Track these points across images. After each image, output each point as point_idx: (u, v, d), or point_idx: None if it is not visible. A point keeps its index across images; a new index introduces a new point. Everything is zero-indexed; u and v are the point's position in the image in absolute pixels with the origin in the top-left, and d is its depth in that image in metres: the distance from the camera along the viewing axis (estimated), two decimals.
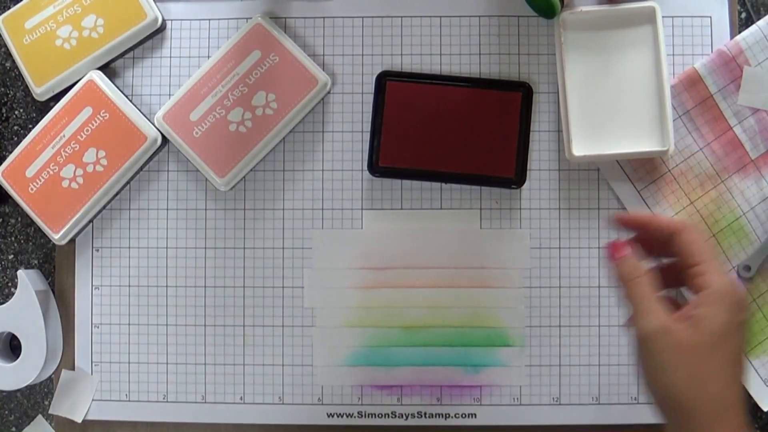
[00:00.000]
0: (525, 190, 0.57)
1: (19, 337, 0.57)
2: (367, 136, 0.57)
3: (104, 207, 0.58)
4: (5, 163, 0.57)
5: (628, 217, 0.47)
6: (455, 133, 0.56)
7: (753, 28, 0.56)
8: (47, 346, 0.57)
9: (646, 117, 0.55)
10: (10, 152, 0.57)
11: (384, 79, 0.57)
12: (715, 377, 0.40)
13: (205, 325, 0.58)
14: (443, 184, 0.58)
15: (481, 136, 0.56)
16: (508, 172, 0.56)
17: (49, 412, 0.59)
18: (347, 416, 0.57)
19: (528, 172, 0.57)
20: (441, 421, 0.57)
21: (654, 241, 0.45)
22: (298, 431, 0.58)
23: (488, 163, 0.56)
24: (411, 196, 0.58)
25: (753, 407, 0.57)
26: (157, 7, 0.58)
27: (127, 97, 0.58)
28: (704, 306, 0.41)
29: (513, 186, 0.56)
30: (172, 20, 0.59)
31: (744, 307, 0.42)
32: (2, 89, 0.61)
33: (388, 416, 0.57)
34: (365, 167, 0.57)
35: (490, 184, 0.57)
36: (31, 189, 0.56)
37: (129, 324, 0.58)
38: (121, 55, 0.58)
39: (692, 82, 0.56)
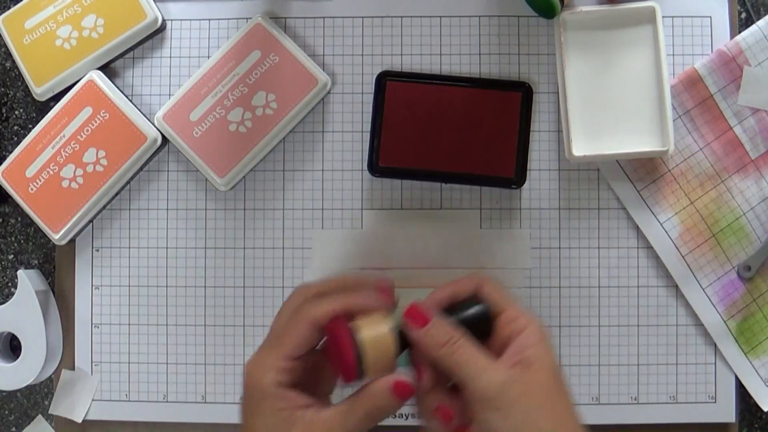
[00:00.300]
0: (525, 190, 0.57)
1: (19, 337, 0.57)
2: (367, 136, 0.57)
3: (104, 207, 0.58)
4: (5, 163, 0.57)
5: (430, 302, 0.44)
6: (455, 133, 0.56)
7: (753, 28, 0.56)
8: (47, 346, 0.57)
9: (646, 117, 0.55)
10: (10, 152, 0.57)
11: (384, 79, 0.57)
12: (567, 411, 0.42)
13: (205, 325, 0.58)
14: (443, 184, 0.58)
15: (481, 136, 0.56)
16: (508, 172, 0.56)
17: (49, 412, 0.59)
18: None
19: (528, 172, 0.57)
20: None
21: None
22: None
23: (488, 163, 0.56)
24: (411, 196, 0.58)
25: (753, 407, 0.57)
26: (157, 7, 0.58)
27: (127, 97, 0.58)
28: (531, 347, 0.41)
29: (513, 186, 0.56)
30: (172, 20, 0.59)
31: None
32: (2, 89, 0.61)
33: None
34: (365, 167, 0.57)
35: (490, 184, 0.57)
36: (31, 189, 0.56)
37: (129, 324, 0.58)
38: (121, 55, 0.58)
39: (692, 82, 0.56)
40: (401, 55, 0.58)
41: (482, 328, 0.42)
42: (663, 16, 0.56)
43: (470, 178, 0.56)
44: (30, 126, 0.60)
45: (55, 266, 0.60)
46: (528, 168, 0.56)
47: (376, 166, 0.56)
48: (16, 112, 0.61)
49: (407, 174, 0.57)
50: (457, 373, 0.41)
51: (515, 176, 0.56)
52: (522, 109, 0.56)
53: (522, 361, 0.40)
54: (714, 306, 0.56)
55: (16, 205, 0.58)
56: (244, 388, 0.43)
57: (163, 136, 0.57)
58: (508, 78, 0.58)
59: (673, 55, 0.57)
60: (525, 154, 0.56)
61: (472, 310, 0.43)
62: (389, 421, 0.56)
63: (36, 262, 0.60)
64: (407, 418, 0.57)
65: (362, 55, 0.58)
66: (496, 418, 0.39)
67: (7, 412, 0.60)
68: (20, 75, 0.60)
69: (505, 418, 0.39)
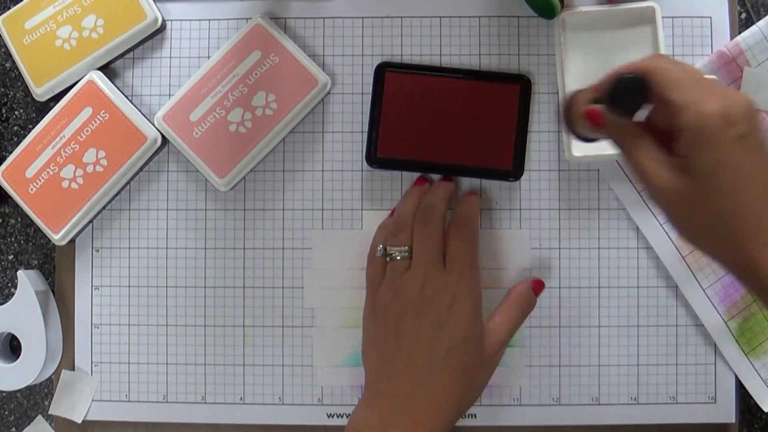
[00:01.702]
0: (525, 190, 0.57)
1: (19, 337, 0.57)
2: (368, 137, 0.57)
3: (104, 207, 0.58)
4: (5, 164, 0.57)
5: (596, 86, 0.43)
6: (454, 125, 0.56)
7: (753, 28, 0.56)
8: (47, 346, 0.57)
9: None
10: (10, 152, 0.57)
11: (383, 70, 0.57)
12: (742, 197, 0.37)
13: (205, 325, 0.58)
14: None
15: (480, 128, 0.56)
16: (506, 164, 0.56)
17: (49, 412, 0.59)
18: (347, 416, 0.57)
19: (527, 171, 0.57)
20: None
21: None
22: (298, 431, 0.58)
23: (486, 156, 0.56)
24: None
25: (753, 407, 0.57)
26: (157, 7, 0.58)
27: (127, 97, 0.58)
28: (687, 150, 0.38)
29: (510, 179, 0.56)
30: (172, 20, 0.59)
31: (733, 120, 0.37)
32: (2, 89, 0.61)
33: None
34: (365, 167, 0.57)
35: (488, 177, 0.57)
36: (31, 189, 0.56)
37: (129, 324, 0.58)
38: (121, 56, 0.58)
39: None
40: (401, 55, 0.58)
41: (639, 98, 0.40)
42: (663, 17, 0.56)
43: (468, 170, 0.56)
44: (30, 126, 0.60)
45: (55, 266, 0.60)
46: (526, 161, 0.56)
47: (374, 158, 0.56)
48: (16, 113, 0.61)
49: (405, 165, 0.57)
50: (637, 170, 0.41)
51: (513, 169, 0.56)
52: (520, 101, 0.56)
53: (681, 167, 0.38)
54: (714, 306, 0.56)
55: (16, 206, 0.58)
56: None
57: (163, 137, 0.57)
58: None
59: (673, 55, 0.57)
60: (523, 147, 0.56)
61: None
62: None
63: (36, 262, 0.60)
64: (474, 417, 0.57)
65: (362, 55, 0.58)
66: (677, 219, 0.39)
67: (7, 413, 0.60)
68: (20, 75, 0.60)
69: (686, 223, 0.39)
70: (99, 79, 0.56)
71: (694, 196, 0.38)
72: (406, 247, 0.53)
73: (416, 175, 0.57)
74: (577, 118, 0.45)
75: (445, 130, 0.56)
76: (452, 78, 0.56)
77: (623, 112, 0.40)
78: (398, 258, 0.53)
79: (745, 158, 0.37)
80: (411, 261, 0.52)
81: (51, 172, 0.56)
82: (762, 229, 0.37)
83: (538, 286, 0.55)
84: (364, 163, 0.57)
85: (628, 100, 0.40)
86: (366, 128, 0.57)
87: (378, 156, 0.56)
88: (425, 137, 0.56)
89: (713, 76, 0.40)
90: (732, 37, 0.57)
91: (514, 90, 0.56)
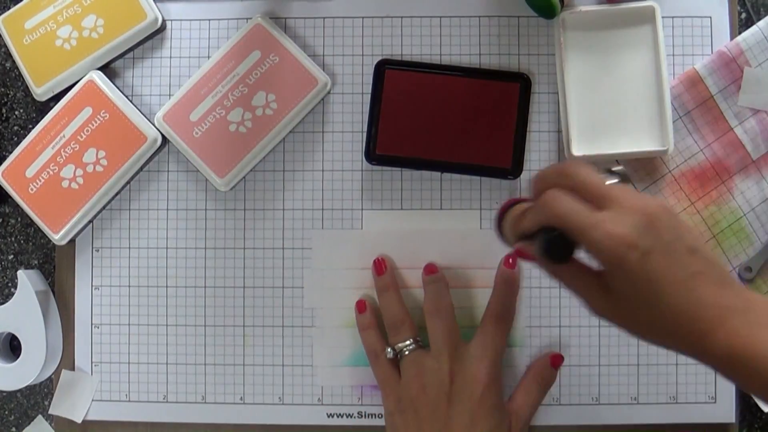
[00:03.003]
0: (525, 190, 0.57)
1: (19, 337, 0.57)
2: (366, 134, 0.57)
3: (104, 207, 0.58)
4: (5, 163, 0.57)
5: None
6: (453, 122, 0.56)
7: (753, 28, 0.56)
8: (47, 346, 0.57)
9: (646, 117, 0.55)
10: (10, 152, 0.57)
11: (383, 68, 0.57)
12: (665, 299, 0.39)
13: (205, 325, 0.58)
14: (443, 182, 0.58)
15: (479, 126, 0.56)
16: (505, 162, 0.56)
17: (49, 412, 0.59)
18: (347, 416, 0.57)
19: (527, 171, 0.57)
20: None
21: None
22: (298, 431, 0.58)
23: (485, 154, 0.56)
24: (411, 197, 0.58)
25: (753, 407, 0.57)
26: (157, 7, 0.58)
27: (127, 97, 0.58)
28: (606, 274, 0.40)
29: (509, 177, 0.56)
30: (172, 20, 0.59)
31: (633, 243, 0.38)
32: (2, 89, 0.61)
33: None
34: (365, 167, 0.57)
35: (487, 175, 0.57)
36: (31, 189, 0.56)
37: (129, 324, 0.58)
38: (121, 56, 0.58)
39: (693, 83, 0.56)
40: (401, 55, 0.58)
41: (567, 247, 0.42)
42: (663, 16, 0.56)
43: (467, 168, 0.56)
44: (30, 126, 0.60)
45: (55, 266, 0.60)
46: (526, 160, 0.56)
47: (373, 154, 0.56)
48: (16, 112, 0.61)
49: (404, 163, 0.57)
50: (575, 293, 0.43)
51: (512, 167, 0.56)
52: (520, 100, 0.56)
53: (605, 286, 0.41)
54: None
55: (16, 205, 0.58)
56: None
57: (163, 136, 0.57)
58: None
59: (673, 55, 0.57)
60: (522, 145, 0.56)
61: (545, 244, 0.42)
62: None
63: (36, 262, 0.60)
64: None
65: (362, 55, 0.58)
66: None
67: (7, 412, 0.60)
68: (20, 75, 0.60)
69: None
70: (99, 79, 0.56)
71: (624, 309, 0.40)
72: (411, 340, 0.54)
73: (417, 173, 0.57)
74: (508, 232, 0.47)
75: (445, 127, 0.56)
76: (452, 76, 0.56)
77: (558, 261, 0.42)
78: (407, 353, 0.54)
79: (654, 272, 0.39)
80: (426, 351, 0.53)
81: (51, 172, 0.56)
82: (700, 329, 0.38)
83: (556, 361, 0.56)
84: (364, 162, 0.57)
85: (559, 252, 0.42)
86: (366, 127, 0.57)
87: (377, 153, 0.56)
88: (424, 134, 0.56)
89: (614, 180, 0.42)
90: (732, 37, 0.57)
91: (513, 88, 0.56)
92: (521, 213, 0.45)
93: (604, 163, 0.57)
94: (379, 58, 0.58)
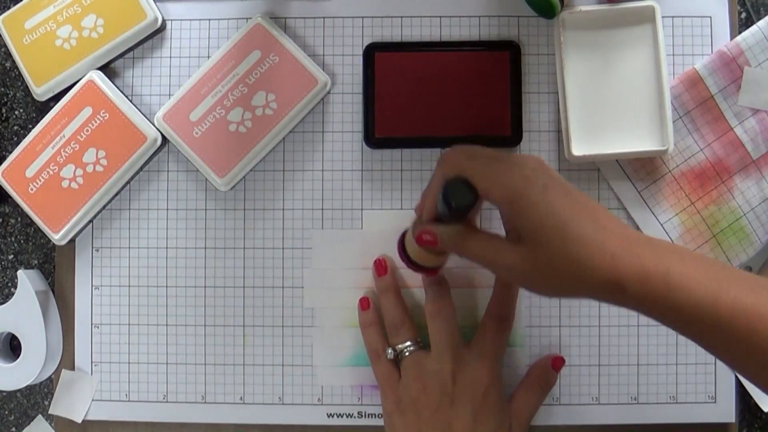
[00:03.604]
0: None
1: (19, 337, 0.57)
2: (363, 119, 0.57)
3: (104, 207, 0.58)
4: (5, 163, 0.57)
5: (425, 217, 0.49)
6: (448, 97, 0.56)
7: (753, 28, 0.56)
8: (47, 346, 0.57)
9: (646, 116, 0.55)
10: (10, 152, 0.57)
11: (372, 51, 0.57)
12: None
13: (205, 325, 0.58)
14: None
15: (474, 97, 0.56)
16: (504, 130, 0.56)
17: (49, 412, 0.59)
18: (347, 416, 0.57)
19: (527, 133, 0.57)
20: None
21: None
22: (298, 431, 0.58)
23: (484, 124, 0.56)
24: (411, 197, 0.58)
25: (753, 407, 0.57)
26: (157, 7, 0.58)
27: (127, 97, 0.58)
28: (511, 222, 0.43)
29: (511, 144, 0.56)
30: (172, 20, 0.59)
31: (532, 178, 0.42)
32: (2, 89, 0.61)
33: None
34: (365, 167, 0.57)
35: (488, 145, 0.57)
36: (31, 189, 0.56)
37: (129, 324, 0.58)
38: (121, 55, 0.58)
39: (693, 83, 0.56)
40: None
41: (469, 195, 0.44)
42: (663, 16, 0.56)
43: (467, 141, 0.56)
44: (30, 126, 0.60)
45: (55, 266, 0.60)
46: (525, 128, 0.57)
47: (373, 138, 0.56)
48: (16, 112, 0.61)
49: (404, 143, 0.57)
50: (481, 259, 0.45)
51: (512, 134, 0.56)
52: (512, 67, 0.56)
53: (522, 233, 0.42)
54: None
55: (16, 205, 0.58)
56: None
57: (163, 136, 0.57)
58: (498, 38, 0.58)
59: (673, 55, 0.57)
60: (519, 111, 0.56)
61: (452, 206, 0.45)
62: None
63: (36, 262, 0.60)
64: None
65: (362, 55, 0.58)
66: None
67: (7, 412, 0.60)
68: (20, 75, 0.60)
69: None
70: (99, 78, 0.56)
71: (536, 257, 0.41)
72: (412, 341, 0.54)
73: (416, 151, 0.57)
74: (412, 249, 0.51)
75: (441, 103, 0.56)
76: (441, 51, 0.57)
77: (461, 212, 0.45)
78: (408, 354, 0.54)
79: (557, 202, 0.41)
80: (426, 352, 0.53)
81: (51, 172, 0.56)
82: (608, 252, 0.39)
83: (557, 363, 0.56)
84: (365, 162, 0.57)
85: (462, 199, 0.44)
86: (362, 115, 0.57)
87: (377, 136, 0.56)
88: (421, 112, 0.56)
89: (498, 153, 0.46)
90: (732, 37, 0.57)
91: (503, 57, 0.56)
92: (421, 201, 0.49)
93: (603, 162, 0.57)
94: None
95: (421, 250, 0.50)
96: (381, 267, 0.56)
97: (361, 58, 0.58)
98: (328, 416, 0.57)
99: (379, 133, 0.56)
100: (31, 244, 0.60)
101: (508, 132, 0.56)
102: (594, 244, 0.39)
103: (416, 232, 0.48)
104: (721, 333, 0.38)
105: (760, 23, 0.56)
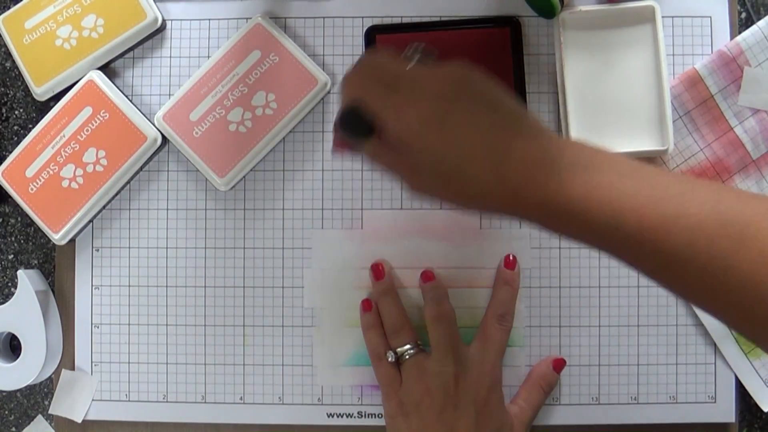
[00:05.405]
0: None
1: (19, 337, 0.57)
2: None
3: (104, 207, 0.58)
4: (5, 163, 0.57)
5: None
6: None
7: (753, 28, 0.56)
8: (47, 346, 0.57)
9: (646, 116, 0.55)
10: (10, 152, 0.57)
11: (373, 34, 0.57)
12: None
13: (205, 325, 0.58)
14: None
15: None
16: None
17: (49, 412, 0.59)
18: (347, 416, 0.57)
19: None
20: None
21: None
22: (298, 431, 0.58)
23: None
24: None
25: (753, 407, 0.57)
26: (157, 7, 0.58)
27: (127, 97, 0.58)
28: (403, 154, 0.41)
29: None
30: (172, 20, 0.59)
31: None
32: (2, 89, 0.61)
33: None
34: (365, 167, 0.57)
35: None
36: (31, 189, 0.56)
37: (129, 324, 0.58)
38: (121, 55, 0.58)
39: (693, 83, 0.56)
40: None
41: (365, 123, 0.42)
42: (663, 16, 0.56)
43: None
44: (30, 126, 0.60)
45: (55, 266, 0.60)
46: (528, 101, 0.57)
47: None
48: (16, 112, 0.61)
49: None
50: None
51: None
52: (512, 43, 0.56)
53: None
54: None
55: (16, 205, 0.58)
56: None
57: (163, 136, 0.57)
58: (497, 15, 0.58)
59: (673, 55, 0.57)
60: (523, 87, 0.56)
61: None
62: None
63: (36, 262, 0.60)
64: None
65: (363, 38, 0.58)
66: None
67: (7, 412, 0.60)
68: (20, 75, 0.60)
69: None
70: (99, 78, 0.56)
71: (438, 179, 0.40)
72: (412, 343, 0.54)
73: None
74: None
75: None
76: (442, 30, 0.57)
77: (361, 137, 0.43)
78: (408, 357, 0.54)
79: (453, 141, 0.39)
80: (427, 355, 0.54)
81: (51, 172, 0.56)
82: (509, 187, 0.38)
83: (558, 364, 0.56)
84: (365, 163, 0.57)
85: (356, 131, 0.43)
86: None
87: None
88: None
89: (413, 63, 0.43)
90: (732, 36, 0.57)
91: (504, 33, 0.56)
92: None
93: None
94: None
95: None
96: (378, 271, 0.56)
97: None
98: (328, 416, 0.57)
99: None
100: (31, 244, 0.60)
101: None
102: (493, 181, 0.38)
103: (334, 138, 0.47)
104: (628, 250, 0.37)
105: (760, 23, 0.56)
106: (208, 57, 0.58)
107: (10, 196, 0.57)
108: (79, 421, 0.58)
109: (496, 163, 0.38)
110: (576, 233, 0.38)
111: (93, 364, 0.59)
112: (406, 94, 0.40)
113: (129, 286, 0.59)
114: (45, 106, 0.58)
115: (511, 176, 0.38)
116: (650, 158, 0.56)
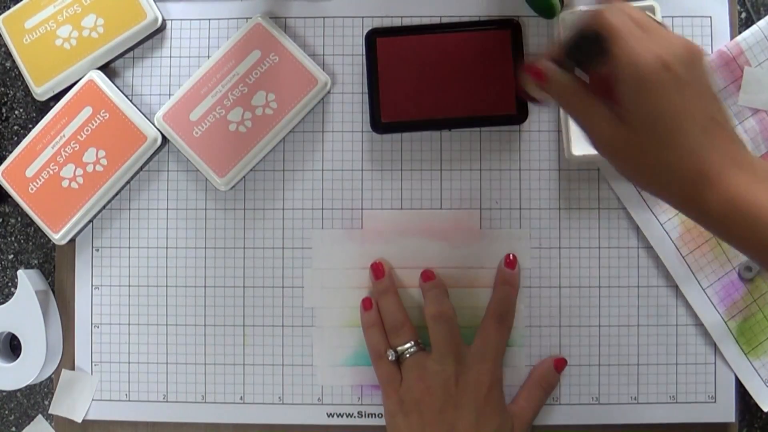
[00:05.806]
0: (525, 190, 0.57)
1: (19, 337, 0.57)
2: (368, 136, 0.57)
3: (104, 207, 0.58)
4: (5, 163, 0.57)
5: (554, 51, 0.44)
6: (452, 78, 0.56)
7: (753, 28, 0.56)
8: (47, 346, 0.57)
9: None
10: (10, 152, 0.57)
11: (373, 37, 0.57)
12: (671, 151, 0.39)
13: (205, 325, 0.58)
14: (443, 181, 0.58)
15: (478, 77, 0.56)
16: (510, 109, 0.56)
17: (49, 412, 0.59)
18: (347, 416, 0.57)
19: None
20: None
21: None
22: (298, 431, 0.58)
23: (489, 104, 0.56)
24: (411, 196, 0.58)
25: (753, 407, 0.57)
26: (157, 7, 0.58)
27: (127, 97, 0.58)
28: (627, 100, 0.39)
29: (517, 122, 0.56)
30: (172, 20, 0.59)
31: (670, 65, 0.38)
32: (2, 89, 0.61)
33: None
34: (365, 167, 0.57)
35: (494, 124, 0.57)
36: (31, 189, 0.56)
37: (129, 324, 0.58)
38: (121, 55, 0.58)
39: None
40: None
41: (598, 50, 0.41)
42: (663, 16, 0.56)
43: (473, 121, 0.57)
44: (30, 126, 0.60)
45: (55, 266, 0.60)
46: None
47: (380, 124, 0.56)
48: (16, 112, 0.61)
49: (411, 126, 0.57)
50: (580, 120, 0.42)
51: (517, 112, 0.56)
52: (513, 45, 0.56)
53: (620, 113, 0.40)
54: (714, 306, 0.56)
55: (16, 205, 0.58)
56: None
57: (163, 136, 0.57)
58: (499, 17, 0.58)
59: None
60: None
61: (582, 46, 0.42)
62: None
63: (36, 262, 0.60)
64: None
65: (362, 55, 0.58)
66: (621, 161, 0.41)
67: (7, 412, 0.60)
68: (20, 75, 0.60)
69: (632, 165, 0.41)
70: (99, 78, 0.56)
71: (637, 145, 0.39)
72: (412, 342, 0.54)
73: (417, 151, 0.57)
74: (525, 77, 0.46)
75: (445, 85, 0.56)
76: (443, 33, 0.57)
77: (576, 64, 0.43)
78: (408, 356, 0.54)
79: (681, 103, 0.38)
80: (427, 353, 0.54)
81: (51, 172, 0.56)
82: (705, 174, 0.38)
83: (559, 365, 0.56)
84: (365, 162, 0.57)
85: (586, 55, 0.42)
86: (366, 128, 0.57)
87: (383, 121, 0.56)
88: (426, 95, 0.56)
89: (660, 21, 0.42)
90: (732, 36, 0.57)
91: (505, 35, 0.56)
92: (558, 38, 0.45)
93: (603, 162, 0.57)
94: None
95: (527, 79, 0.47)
96: (378, 270, 0.56)
97: (361, 58, 0.58)
98: (328, 416, 0.57)
99: (385, 118, 0.56)
100: (31, 243, 0.60)
101: (514, 111, 0.56)
102: (692, 159, 0.38)
103: (528, 63, 0.45)
104: None
105: (760, 23, 0.56)
106: (208, 57, 0.58)
107: (10, 196, 0.57)
108: (79, 421, 0.58)
109: (702, 146, 0.38)
110: (748, 238, 0.38)
111: (93, 364, 0.59)
112: (656, 40, 0.39)
113: (129, 286, 0.59)
114: (45, 106, 0.58)
115: (711, 163, 0.38)
116: None
